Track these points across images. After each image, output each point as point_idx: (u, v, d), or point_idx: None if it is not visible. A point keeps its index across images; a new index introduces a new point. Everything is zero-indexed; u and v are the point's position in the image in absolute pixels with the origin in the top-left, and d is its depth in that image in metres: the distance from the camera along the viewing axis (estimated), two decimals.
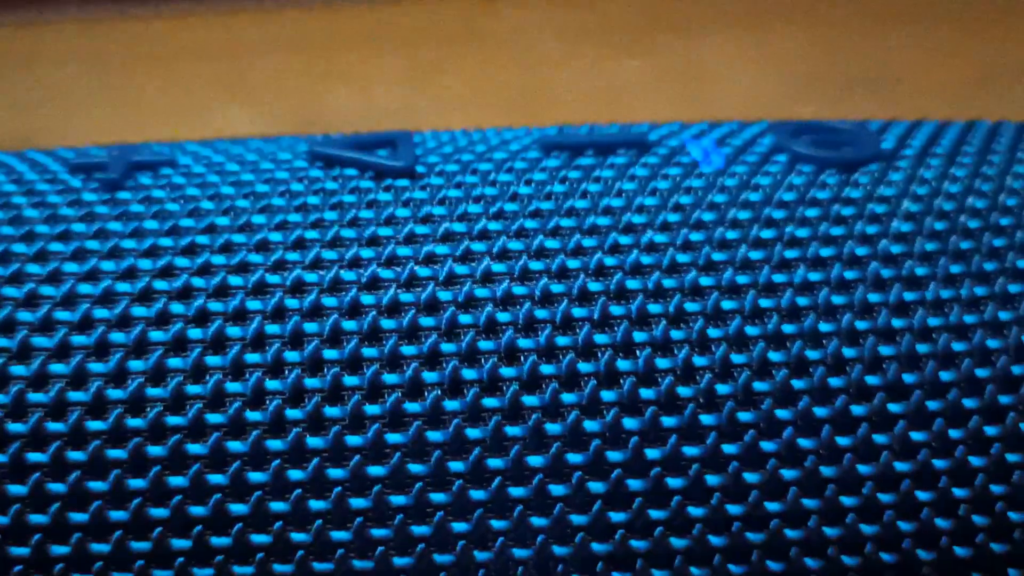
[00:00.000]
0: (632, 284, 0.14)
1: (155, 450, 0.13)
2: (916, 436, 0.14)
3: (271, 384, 0.13)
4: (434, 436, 0.13)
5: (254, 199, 0.15)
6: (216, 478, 0.13)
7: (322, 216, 0.15)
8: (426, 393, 0.13)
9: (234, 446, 0.13)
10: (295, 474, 0.13)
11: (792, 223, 0.15)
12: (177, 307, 0.14)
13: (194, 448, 0.13)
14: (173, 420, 0.13)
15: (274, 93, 0.36)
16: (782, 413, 0.14)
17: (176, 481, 0.13)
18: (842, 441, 0.14)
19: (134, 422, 0.13)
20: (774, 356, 0.14)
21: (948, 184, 0.15)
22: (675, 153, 0.16)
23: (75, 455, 0.13)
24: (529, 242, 0.14)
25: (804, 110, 0.36)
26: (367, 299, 0.14)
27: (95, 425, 0.13)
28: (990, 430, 0.14)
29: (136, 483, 0.13)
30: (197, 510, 0.13)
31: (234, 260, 0.14)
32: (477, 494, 0.13)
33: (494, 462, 0.13)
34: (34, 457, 0.13)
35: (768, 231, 0.15)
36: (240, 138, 0.18)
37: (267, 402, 0.13)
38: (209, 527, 0.13)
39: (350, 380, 0.13)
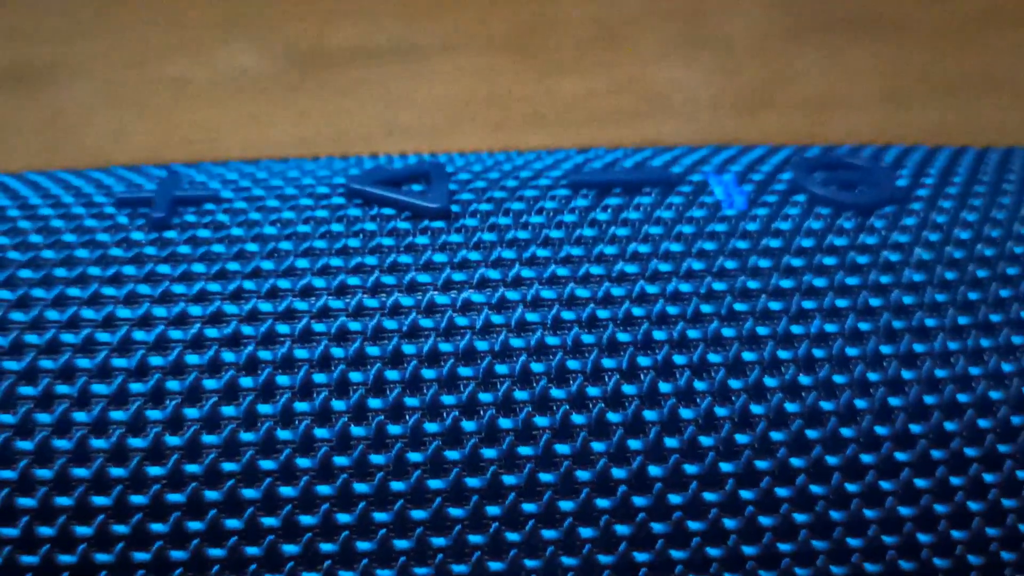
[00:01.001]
0: (658, 335, 0.15)
1: (211, 495, 0.14)
2: (920, 483, 0.15)
3: (319, 432, 0.14)
4: (472, 482, 0.14)
5: (296, 241, 0.16)
6: (269, 520, 0.14)
7: (363, 261, 0.15)
8: (465, 441, 0.14)
9: (286, 491, 0.14)
10: (343, 517, 0.14)
11: (810, 271, 0.16)
12: (228, 355, 0.15)
13: (248, 492, 0.14)
14: (228, 466, 0.14)
15: (276, 31, 0.37)
16: (796, 462, 0.15)
17: (231, 524, 0.14)
18: (851, 488, 0.15)
19: (191, 468, 0.14)
20: (790, 407, 0.15)
21: (959, 230, 0.16)
22: (699, 191, 0.17)
23: (136, 499, 0.14)
24: (561, 290, 0.15)
25: (802, 51, 0.36)
26: (408, 348, 0.15)
27: (155, 471, 0.14)
28: (989, 477, 0.15)
29: (194, 525, 0.14)
30: (252, 551, 0.14)
31: (280, 307, 0.15)
32: (512, 536, 0.14)
33: (528, 506, 0.14)
34: (98, 501, 0.14)
35: (787, 281, 0.15)
36: (275, 160, 0.18)
37: (317, 450, 0.14)
38: (263, 566, 0.14)
39: (393, 429, 0.14)
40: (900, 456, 0.15)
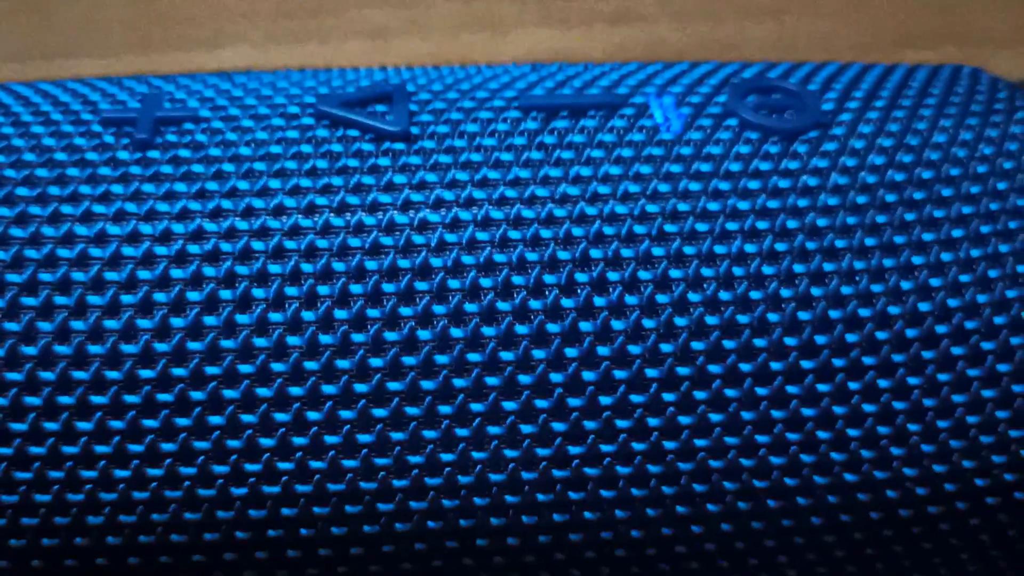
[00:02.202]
0: (595, 253, 0.17)
1: (196, 395, 0.16)
2: (822, 387, 0.17)
3: (291, 339, 0.16)
4: (427, 385, 0.16)
5: (269, 161, 0.17)
6: (248, 418, 0.16)
7: (330, 181, 0.17)
8: (420, 348, 0.16)
9: (262, 392, 0.16)
10: (312, 415, 0.16)
11: (735, 195, 0.17)
12: (209, 270, 0.16)
13: (229, 393, 0.16)
14: (211, 370, 0.16)
15: None
16: (714, 368, 0.16)
17: (214, 420, 0.16)
18: (760, 392, 0.17)
19: (178, 371, 0.16)
20: (710, 320, 0.17)
21: (874, 156, 0.18)
22: (639, 114, 0.18)
23: (130, 398, 0.16)
24: (508, 211, 0.17)
25: None
26: (371, 264, 0.16)
27: (146, 374, 0.16)
28: (882, 383, 0.17)
29: (182, 422, 0.16)
30: (233, 443, 0.16)
31: (256, 224, 0.17)
32: (462, 431, 0.16)
33: (476, 407, 0.16)
34: (95, 400, 0.16)
35: (714, 203, 0.17)
36: (251, 73, 0.19)
37: (289, 356, 0.16)
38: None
39: (357, 337, 0.16)
40: (806, 364, 0.17)
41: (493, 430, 0.16)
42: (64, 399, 0.16)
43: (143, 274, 0.16)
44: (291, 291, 0.16)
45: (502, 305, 0.16)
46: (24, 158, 0.17)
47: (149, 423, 0.16)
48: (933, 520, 0.17)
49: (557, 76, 0.19)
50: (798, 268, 0.17)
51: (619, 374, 0.16)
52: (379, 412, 0.16)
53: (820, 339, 0.17)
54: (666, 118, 0.18)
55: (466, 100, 0.18)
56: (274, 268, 0.16)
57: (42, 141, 0.17)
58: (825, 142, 0.18)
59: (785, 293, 0.17)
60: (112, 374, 0.16)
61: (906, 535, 0.17)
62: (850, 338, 0.17)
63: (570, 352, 0.16)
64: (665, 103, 0.18)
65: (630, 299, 0.17)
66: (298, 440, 0.16)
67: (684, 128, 0.18)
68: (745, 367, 0.17)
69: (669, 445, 0.17)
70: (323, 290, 0.16)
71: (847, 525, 0.17)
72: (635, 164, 0.17)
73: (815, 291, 0.17)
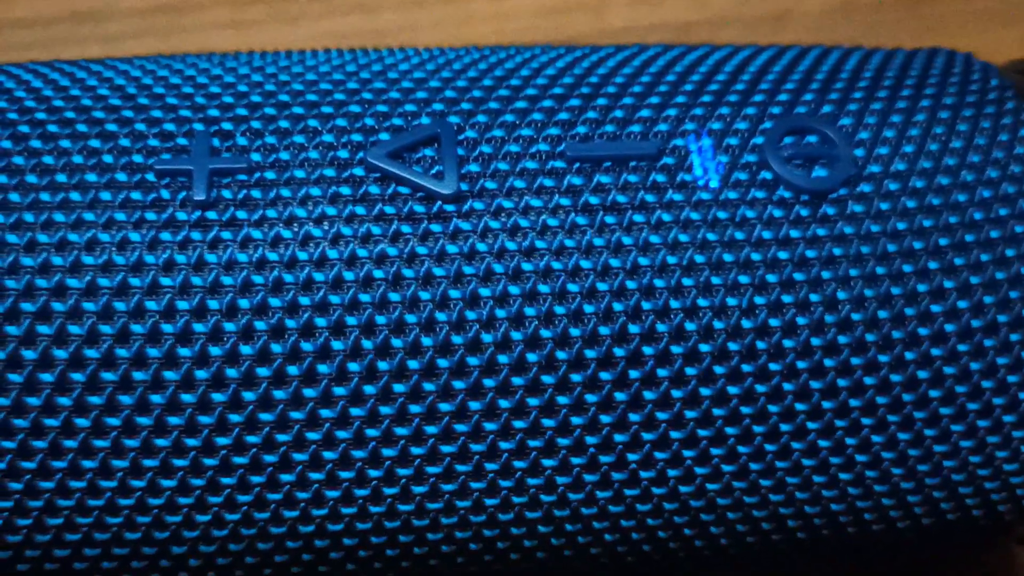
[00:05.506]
0: (632, 329, 0.18)
1: (253, 440, 0.18)
2: (823, 443, 0.19)
3: (354, 411, 0.18)
4: (476, 447, 0.18)
5: (326, 226, 0.18)
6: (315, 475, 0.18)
7: (385, 250, 0.18)
8: (470, 417, 0.18)
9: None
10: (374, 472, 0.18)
11: (764, 266, 0.18)
12: (276, 347, 0.17)
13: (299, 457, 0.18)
14: (281, 437, 0.18)
15: None
16: (730, 430, 0.19)
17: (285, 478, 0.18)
18: (769, 448, 0.19)
19: (252, 439, 0.18)
20: (731, 389, 0.18)
21: (898, 221, 0.19)
22: (680, 164, 0.19)
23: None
24: (554, 285, 0.18)
25: None
26: (426, 341, 0.18)
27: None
28: (875, 438, 0.19)
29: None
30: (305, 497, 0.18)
31: (317, 298, 0.18)
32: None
33: (519, 464, 0.18)
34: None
35: (744, 276, 0.18)
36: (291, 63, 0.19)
37: (352, 424, 0.18)
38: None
39: (414, 407, 0.18)
40: (811, 425, 0.19)
41: (531, 482, 0.18)
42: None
43: (214, 351, 0.17)
44: (353, 366, 0.18)
45: (545, 379, 0.18)
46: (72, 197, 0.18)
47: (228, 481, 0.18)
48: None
49: (598, 99, 0.19)
50: (815, 341, 0.18)
51: (647, 436, 0.18)
52: (432, 469, 0.18)
53: (828, 404, 0.19)
54: (704, 169, 0.19)
55: (511, 144, 0.19)
56: (337, 345, 0.18)
57: (100, 196, 0.18)
58: (851, 203, 0.19)
59: (800, 364, 0.18)
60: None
61: None
62: (853, 403, 0.19)
63: (604, 419, 0.18)
64: (704, 147, 0.19)
65: (661, 372, 0.18)
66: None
67: (721, 183, 0.19)
68: (758, 428, 0.19)
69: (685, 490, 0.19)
70: (382, 365, 0.18)
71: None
72: (672, 230, 0.18)
73: (828, 363, 0.18)
